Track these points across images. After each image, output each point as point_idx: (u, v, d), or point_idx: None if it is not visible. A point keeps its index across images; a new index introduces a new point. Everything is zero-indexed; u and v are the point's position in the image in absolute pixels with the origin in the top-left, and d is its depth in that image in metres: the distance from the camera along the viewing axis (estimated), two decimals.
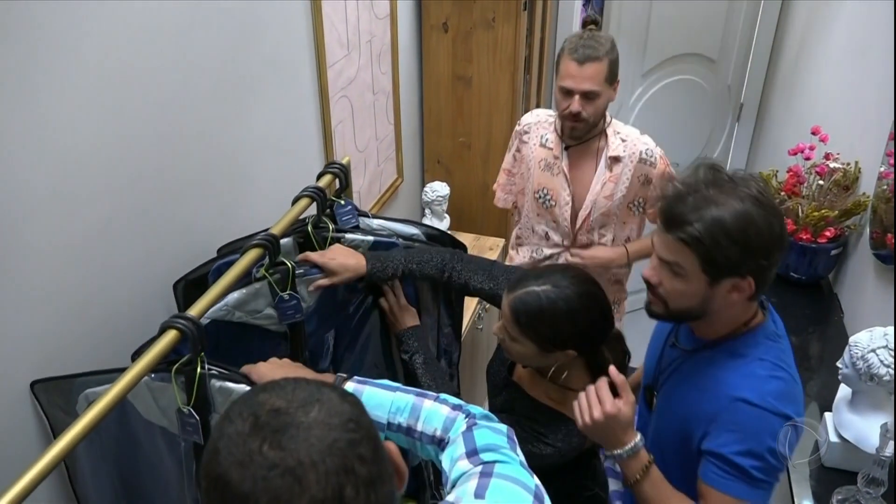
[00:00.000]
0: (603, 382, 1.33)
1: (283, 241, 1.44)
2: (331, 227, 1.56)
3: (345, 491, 0.67)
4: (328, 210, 1.57)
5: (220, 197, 1.60)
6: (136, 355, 1.22)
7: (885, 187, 2.08)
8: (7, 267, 1.09)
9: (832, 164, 2.35)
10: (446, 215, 2.91)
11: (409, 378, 1.58)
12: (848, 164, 2.36)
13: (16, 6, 1.03)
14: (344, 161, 1.61)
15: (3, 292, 1.10)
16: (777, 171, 2.57)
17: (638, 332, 1.78)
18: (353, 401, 0.75)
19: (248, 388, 1.16)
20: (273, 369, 1.24)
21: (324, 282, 1.47)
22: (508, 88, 2.76)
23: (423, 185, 2.93)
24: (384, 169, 2.58)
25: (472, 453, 1.01)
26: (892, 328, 1.60)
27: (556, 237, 2.23)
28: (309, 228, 1.54)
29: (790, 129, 3.15)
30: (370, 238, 1.59)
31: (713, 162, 1.28)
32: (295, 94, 1.86)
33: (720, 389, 1.29)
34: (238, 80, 1.60)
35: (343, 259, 1.49)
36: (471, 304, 2.63)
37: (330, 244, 1.55)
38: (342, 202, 1.60)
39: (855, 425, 1.70)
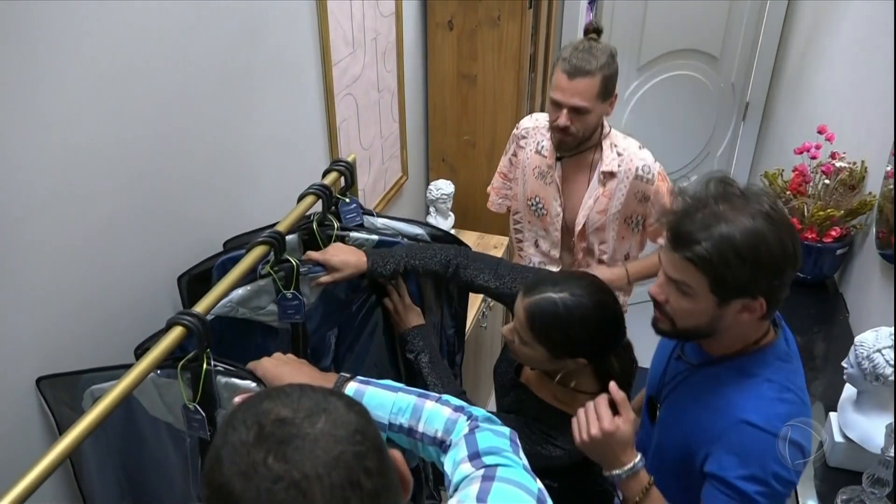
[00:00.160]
0: (602, 399, 1.29)
1: (289, 237, 1.45)
2: (336, 224, 1.56)
3: None
4: (333, 208, 1.58)
5: (226, 195, 1.60)
6: (139, 350, 1.22)
7: (892, 187, 2.07)
8: (12, 264, 1.10)
9: (838, 164, 2.35)
10: (451, 213, 2.91)
11: (413, 378, 1.58)
12: (854, 163, 2.35)
13: (20, 5, 1.03)
14: (349, 159, 1.62)
15: (8, 289, 1.10)
16: (783, 170, 2.56)
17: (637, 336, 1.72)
18: (360, 410, 0.74)
19: (253, 384, 1.17)
20: (277, 365, 1.24)
21: (326, 278, 1.47)
22: (513, 87, 2.76)
23: (428, 183, 2.93)
24: (389, 167, 2.58)
25: (474, 456, 1.01)
26: None
27: (545, 245, 2.22)
28: (314, 226, 1.54)
29: (796, 128, 3.14)
30: (374, 237, 1.59)
31: (724, 175, 1.23)
32: (300, 92, 1.86)
33: (725, 409, 1.25)
34: (243, 78, 1.60)
35: (344, 256, 1.49)
36: (474, 304, 2.64)
37: (334, 242, 1.55)
38: (347, 200, 1.60)
39: (860, 425, 1.69)
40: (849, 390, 1.77)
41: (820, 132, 2.46)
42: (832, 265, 2.41)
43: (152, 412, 1.23)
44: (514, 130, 2.24)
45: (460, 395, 1.42)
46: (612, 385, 1.29)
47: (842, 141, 2.43)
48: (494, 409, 1.51)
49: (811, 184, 2.41)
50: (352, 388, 1.18)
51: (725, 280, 1.15)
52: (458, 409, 1.14)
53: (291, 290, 1.42)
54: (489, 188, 2.39)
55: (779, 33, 3.56)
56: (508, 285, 1.54)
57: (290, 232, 1.45)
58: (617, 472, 1.27)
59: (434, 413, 1.14)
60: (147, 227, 1.37)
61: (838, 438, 1.72)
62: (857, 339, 1.65)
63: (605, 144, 2.03)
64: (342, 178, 1.59)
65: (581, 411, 1.30)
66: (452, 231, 2.80)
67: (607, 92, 1.90)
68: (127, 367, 1.08)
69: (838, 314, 2.33)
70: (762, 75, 3.69)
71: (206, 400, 1.17)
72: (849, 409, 1.73)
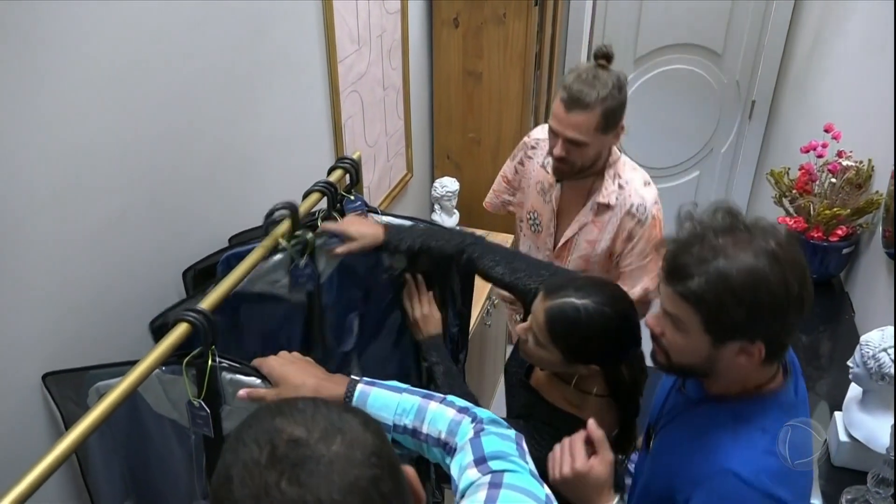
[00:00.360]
0: (578, 437, 1.25)
1: None
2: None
3: None
4: (338, 205, 1.58)
5: (231, 191, 1.61)
6: (153, 324, 1.28)
7: None
8: (18, 260, 1.10)
9: (845, 162, 2.34)
10: (455, 211, 2.91)
11: (432, 378, 1.58)
12: (861, 161, 2.34)
13: (23, 5, 1.03)
14: (355, 156, 1.62)
15: (14, 286, 1.10)
16: (789, 169, 2.55)
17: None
18: (375, 429, 0.72)
19: (258, 381, 1.17)
20: (283, 364, 1.23)
21: (342, 249, 1.46)
22: (519, 84, 2.75)
23: (433, 181, 2.93)
24: (394, 164, 2.58)
25: (480, 461, 1.00)
26: None
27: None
28: (319, 223, 1.54)
29: (802, 127, 3.13)
30: None
31: (732, 206, 1.14)
32: (305, 89, 1.87)
33: (714, 454, 1.16)
34: (249, 75, 1.60)
35: (361, 227, 1.48)
36: (479, 300, 2.63)
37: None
38: (352, 197, 1.60)
39: (865, 425, 1.69)
40: (854, 390, 1.76)
41: (826, 131, 2.45)
42: (838, 264, 2.40)
43: (157, 409, 1.23)
44: (525, 138, 2.16)
45: (475, 404, 1.41)
46: (591, 423, 1.26)
47: (848, 139, 2.42)
48: (500, 408, 1.49)
49: (817, 182, 2.40)
50: (359, 390, 1.17)
51: (719, 319, 1.08)
52: (462, 410, 1.14)
53: (304, 260, 1.41)
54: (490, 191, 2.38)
55: (785, 32, 3.55)
56: (524, 281, 1.51)
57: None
58: None
59: (438, 414, 1.13)
60: (153, 223, 1.38)
61: (843, 438, 1.71)
62: (862, 338, 1.65)
63: (609, 174, 1.92)
64: (347, 176, 1.59)
65: (557, 447, 1.27)
66: (457, 229, 2.80)
67: (608, 125, 1.77)
68: (132, 363, 1.08)
69: (844, 313, 2.32)
70: (768, 73, 3.68)
71: (211, 396, 1.17)
72: (854, 409, 1.73)
